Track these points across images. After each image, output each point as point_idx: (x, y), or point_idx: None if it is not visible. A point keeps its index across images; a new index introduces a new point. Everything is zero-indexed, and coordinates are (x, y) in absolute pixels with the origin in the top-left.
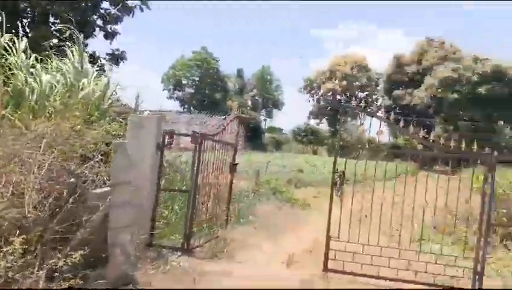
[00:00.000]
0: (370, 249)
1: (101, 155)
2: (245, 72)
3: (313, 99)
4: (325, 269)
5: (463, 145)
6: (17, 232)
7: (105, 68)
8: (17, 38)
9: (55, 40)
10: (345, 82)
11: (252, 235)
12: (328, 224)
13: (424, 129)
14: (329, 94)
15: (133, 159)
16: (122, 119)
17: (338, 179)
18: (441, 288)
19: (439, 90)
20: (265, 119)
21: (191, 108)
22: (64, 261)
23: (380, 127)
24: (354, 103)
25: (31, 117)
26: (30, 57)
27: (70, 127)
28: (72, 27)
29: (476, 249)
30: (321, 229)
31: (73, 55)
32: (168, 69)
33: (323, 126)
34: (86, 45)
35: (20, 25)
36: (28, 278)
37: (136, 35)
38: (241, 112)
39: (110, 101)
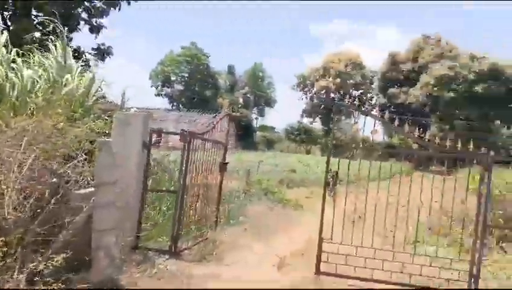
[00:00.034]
0: (363, 251)
1: (85, 154)
2: (236, 69)
3: (306, 97)
4: (317, 271)
5: (459, 144)
6: None
7: (90, 63)
8: None
9: (37, 34)
10: (338, 80)
11: (242, 237)
12: (321, 225)
13: (419, 128)
14: (322, 92)
15: (118, 158)
16: (108, 116)
17: (331, 179)
18: None
19: (435, 88)
20: (257, 118)
21: (180, 105)
22: (46, 264)
23: (374, 126)
24: (348, 101)
25: (11, 114)
26: (11, 51)
27: (52, 125)
28: (56, 20)
29: (471, 251)
30: (313, 230)
31: (56, 49)
32: (156, 65)
33: (317, 125)
34: (70, 39)
35: (0, 17)
36: (7, 282)
37: (123, 29)
38: (232, 110)
39: (94, 97)
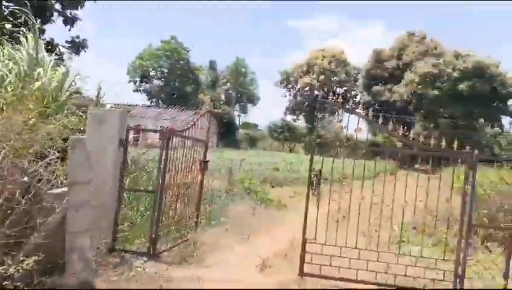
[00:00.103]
0: (348, 251)
1: (58, 152)
2: (218, 65)
3: (290, 94)
4: (301, 273)
5: (443, 143)
6: None
7: (64, 57)
8: None
9: (8, 25)
10: (322, 77)
11: (223, 238)
12: (304, 226)
13: (403, 126)
14: (306, 89)
15: (93, 156)
16: (82, 112)
17: (315, 178)
18: None
19: (419, 86)
20: (239, 115)
21: (160, 102)
22: (16, 268)
23: (358, 124)
24: (332, 98)
25: None
26: None
27: (23, 121)
28: (27, 11)
29: (456, 251)
30: (297, 230)
31: (27, 42)
32: (134, 59)
33: (301, 122)
34: (43, 31)
35: None
36: None
37: (100, 22)
38: (214, 107)
39: (68, 92)
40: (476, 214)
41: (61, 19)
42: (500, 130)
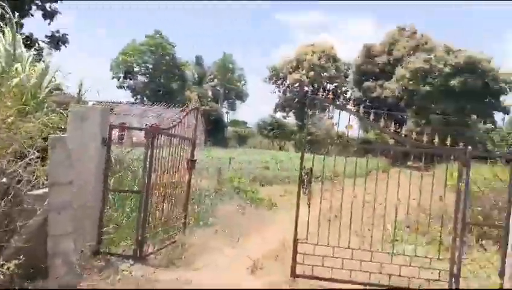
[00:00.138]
0: (340, 251)
1: (38, 151)
2: (205, 60)
3: (279, 91)
4: (293, 274)
5: (436, 140)
6: None
7: (43, 52)
8: None
9: None
10: (312, 72)
11: (212, 239)
12: (296, 226)
13: (395, 123)
14: (296, 85)
15: (74, 155)
16: (63, 110)
17: (306, 176)
18: None
19: (411, 82)
20: (227, 112)
21: (144, 99)
22: None
23: (349, 120)
24: (322, 94)
25: None
26: None
27: (1, 120)
28: (4, 4)
29: (451, 250)
30: (288, 230)
31: (4, 36)
32: (117, 55)
33: (290, 119)
34: (21, 26)
35: None
36: None
37: (81, 15)
38: (201, 104)
39: (48, 89)
40: (470, 211)
41: (40, 12)
42: (492, 126)
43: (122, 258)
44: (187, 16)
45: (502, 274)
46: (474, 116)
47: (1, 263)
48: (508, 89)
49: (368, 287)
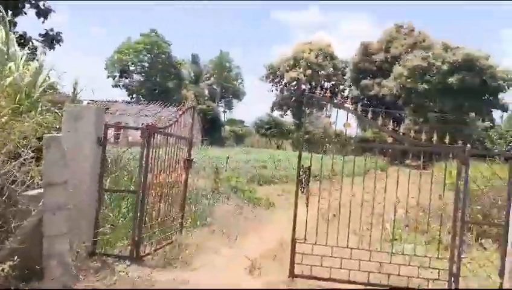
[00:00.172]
0: (339, 251)
1: (32, 151)
2: (201, 59)
3: (276, 89)
4: (291, 274)
5: (435, 138)
6: None
7: (37, 51)
8: None
9: None
10: (309, 71)
11: (210, 239)
12: (294, 225)
13: (393, 121)
14: (293, 83)
15: (69, 155)
16: (58, 109)
17: (303, 175)
18: None
19: (409, 80)
20: (224, 111)
21: (140, 98)
22: None
23: (347, 119)
24: (319, 93)
25: None
26: None
27: None
28: None
29: (450, 249)
30: (286, 230)
31: None
32: (112, 53)
33: (288, 118)
34: (14, 24)
35: None
36: None
37: (74, 13)
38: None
39: (42, 88)
40: (470, 210)
41: (33, 11)
42: (491, 124)
43: (119, 259)
44: (182, 14)
45: (501, 273)
46: (473, 114)
47: None
48: (506, 87)
49: (367, 287)
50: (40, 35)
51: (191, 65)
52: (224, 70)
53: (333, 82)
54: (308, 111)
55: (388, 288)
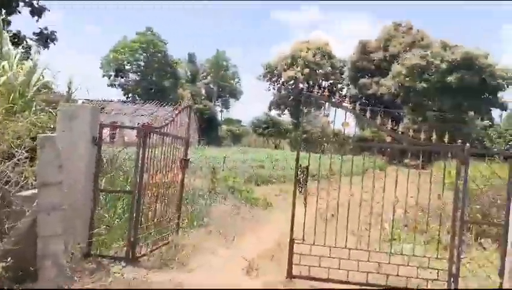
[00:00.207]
0: (337, 251)
1: (26, 151)
2: (198, 58)
3: (274, 88)
4: (289, 275)
5: (434, 137)
6: None
7: (31, 50)
8: None
9: None
10: (307, 70)
11: (207, 239)
12: (292, 225)
13: (392, 120)
14: (291, 82)
15: (64, 155)
16: (52, 109)
17: (301, 175)
18: None
19: (407, 78)
20: (221, 110)
21: (136, 97)
22: None
23: (345, 118)
24: (317, 92)
25: None
26: None
27: None
28: None
29: (450, 249)
30: (284, 230)
31: None
32: (108, 52)
33: (286, 117)
34: (8, 23)
35: None
36: None
37: (69, 12)
38: (194, 102)
39: (36, 87)
40: (469, 209)
41: (28, 9)
42: (490, 123)
43: (114, 260)
44: (180, 13)
45: (501, 273)
46: (472, 113)
47: None
48: (505, 85)
49: (365, 288)
50: (34, 34)
51: (188, 64)
52: (221, 70)
53: (331, 81)
54: (306, 110)
55: (387, 288)
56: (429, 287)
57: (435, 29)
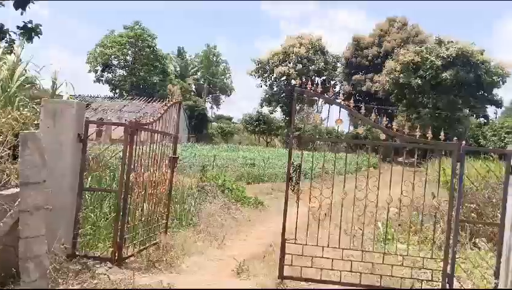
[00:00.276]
0: (330, 251)
1: (8, 149)
2: (188, 52)
3: (265, 84)
4: (281, 275)
5: (429, 134)
6: None
7: (15, 44)
8: None
9: None
10: (300, 65)
11: (196, 240)
12: (283, 225)
13: (386, 117)
14: (282, 78)
15: (47, 153)
16: (36, 104)
17: (294, 173)
18: None
19: (401, 75)
20: (212, 107)
21: (124, 93)
22: None
23: (339, 115)
24: (310, 88)
25: None
26: None
27: None
28: None
29: (445, 249)
30: (275, 230)
31: None
32: (94, 47)
33: (277, 114)
34: None
35: None
36: None
37: (55, 5)
38: (183, 98)
39: (19, 82)
40: (464, 208)
41: (11, 2)
42: (485, 120)
43: (100, 261)
44: (169, 6)
45: (497, 273)
46: (467, 110)
47: None
48: (501, 82)
49: (358, 288)
50: (17, 27)
51: (177, 59)
52: (211, 65)
53: (324, 77)
54: (298, 107)
55: (380, 289)
56: (424, 287)
57: (430, 25)
